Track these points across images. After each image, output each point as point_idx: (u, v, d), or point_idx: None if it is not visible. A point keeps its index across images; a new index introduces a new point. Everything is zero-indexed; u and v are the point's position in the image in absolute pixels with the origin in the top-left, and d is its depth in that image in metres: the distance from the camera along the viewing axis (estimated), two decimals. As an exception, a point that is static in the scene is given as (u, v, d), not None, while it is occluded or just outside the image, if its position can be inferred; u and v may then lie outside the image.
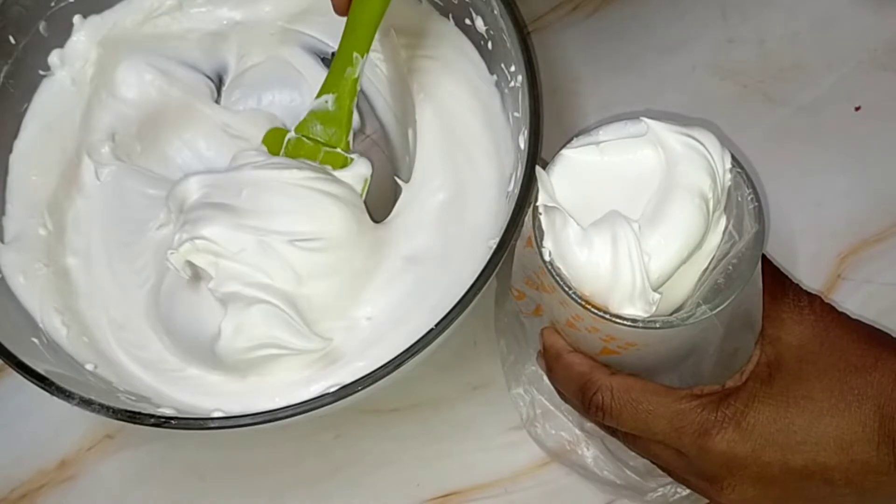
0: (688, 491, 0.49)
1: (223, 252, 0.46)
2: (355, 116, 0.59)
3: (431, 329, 0.42)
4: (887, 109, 0.59)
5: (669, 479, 0.49)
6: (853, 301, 0.54)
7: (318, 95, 0.51)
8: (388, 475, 0.53)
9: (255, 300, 0.46)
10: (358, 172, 0.51)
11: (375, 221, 0.52)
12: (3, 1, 0.51)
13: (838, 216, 0.56)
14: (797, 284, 0.43)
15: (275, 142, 0.52)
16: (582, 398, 0.43)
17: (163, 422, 0.43)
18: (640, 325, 0.38)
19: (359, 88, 0.51)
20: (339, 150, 0.51)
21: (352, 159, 0.51)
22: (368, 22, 0.49)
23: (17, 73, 0.52)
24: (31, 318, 0.49)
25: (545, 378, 0.51)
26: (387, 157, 0.59)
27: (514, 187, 0.48)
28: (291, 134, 0.52)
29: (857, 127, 0.58)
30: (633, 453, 0.47)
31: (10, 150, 0.53)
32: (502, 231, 0.44)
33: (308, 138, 0.51)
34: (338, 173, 0.50)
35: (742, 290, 0.37)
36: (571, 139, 0.41)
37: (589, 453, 0.52)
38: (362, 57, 0.49)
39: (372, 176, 0.51)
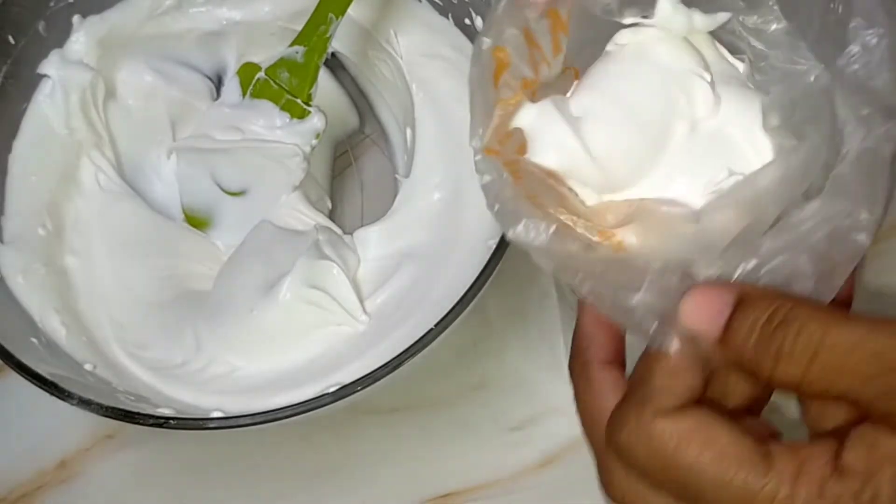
0: None
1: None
2: (354, 115, 0.59)
3: (431, 329, 0.42)
4: (887, 109, 0.59)
5: None
6: (853, 301, 0.54)
7: (291, 45, 0.53)
8: (388, 475, 0.53)
9: (329, 257, 0.49)
10: (312, 126, 0.53)
11: (375, 220, 0.53)
12: (2, 1, 0.51)
13: (838, 216, 0.56)
14: None
15: (247, 76, 0.54)
16: None
17: (162, 422, 0.43)
18: None
19: (329, 48, 0.53)
20: (299, 101, 0.53)
21: (309, 112, 0.53)
22: None
23: (17, 73, 0.52)
24: (30, 319, 0.49)
25: None
26: (386, 156, 0.59)
27: (513, 187, 0.48)
28: (261, 74, 0.54)
29: (857, 126, 0.58)
30: None
31: (10, 150, 0.53)
32: (502, 231, 0.44)
33: (275, 82, 0.54)
34: (294, 122, 0.53)
35: None
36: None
37: None
38: (337, 18, 0.52)
39: (324, 131, 0.54)
